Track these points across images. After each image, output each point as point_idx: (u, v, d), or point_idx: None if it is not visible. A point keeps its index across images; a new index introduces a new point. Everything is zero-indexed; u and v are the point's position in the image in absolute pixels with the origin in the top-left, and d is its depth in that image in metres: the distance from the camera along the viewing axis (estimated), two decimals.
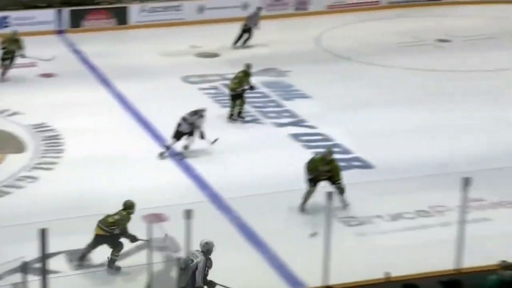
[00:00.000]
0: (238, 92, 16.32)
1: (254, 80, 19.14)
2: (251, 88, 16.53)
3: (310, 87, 18.32)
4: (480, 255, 10.40)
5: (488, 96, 17.68)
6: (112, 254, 10.64)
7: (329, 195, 9.48)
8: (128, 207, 10.71)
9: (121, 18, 23.89)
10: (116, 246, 10.62)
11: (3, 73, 18.67)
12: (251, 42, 21.95)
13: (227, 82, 18.30)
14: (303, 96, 17.90)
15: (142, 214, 10.69)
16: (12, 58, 18.66)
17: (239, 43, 21.83)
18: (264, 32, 22.52)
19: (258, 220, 11.87)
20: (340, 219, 11.83)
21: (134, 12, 24.05)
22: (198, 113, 14.42)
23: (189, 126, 14.33)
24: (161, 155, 14.36)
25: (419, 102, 17.30)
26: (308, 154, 14.62)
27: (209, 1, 24.81)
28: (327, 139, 15.29)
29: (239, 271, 10.43)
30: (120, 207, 10.71)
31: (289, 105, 17.26)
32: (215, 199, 12.74)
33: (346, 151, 14.70)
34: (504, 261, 9.06)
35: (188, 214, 8.86)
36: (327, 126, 15.91)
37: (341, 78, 19.33)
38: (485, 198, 12.41)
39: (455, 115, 16.44)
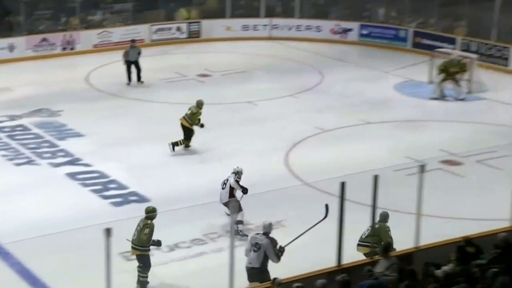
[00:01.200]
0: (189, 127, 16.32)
1: (25, 121, 18.45)
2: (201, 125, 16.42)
3: (83, 126, 17.97)
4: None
5: (247, 125, 18.37)
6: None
7: (108, 231, 9.28)
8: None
9: None
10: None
11: None
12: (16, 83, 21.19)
13: None
14: (77, 134, 17.49)
15: None
16: None
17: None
18: (32, 73, 21.71)
19: (39, 263, 11.38)
20: (120, 254, 11.66)
21: None
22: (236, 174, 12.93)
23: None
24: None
25: None
26: (85, 192, 14.35)
27: None
28: (103, 176, 15.06)
29: None
30: None
31: (63, 144, 16.77)
32: None
33: (122, 187, 14.57)
34: (275, 279, 9.43)
35: None
36: (102, 163, 15.66)
37: (111, 115, 19.17)
38: (252, 222, 12.86)
39: (221, 144, 16.86)
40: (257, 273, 10.42)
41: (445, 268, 9.44)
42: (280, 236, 12.46)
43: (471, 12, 24.79)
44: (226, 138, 17.34)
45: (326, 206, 10.89)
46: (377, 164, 13.38)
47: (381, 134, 17.71)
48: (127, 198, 14.11)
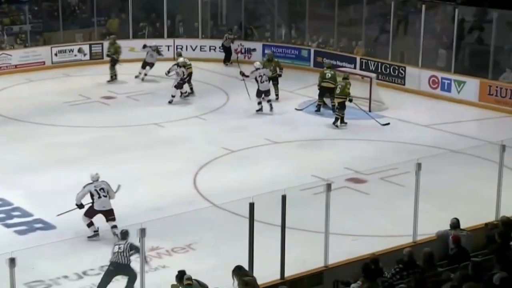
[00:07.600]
0: None
1: None
2: None
3: None
4: None
5: (154, 148, 18.17)
6: None
7: (12, 261, 8.96)
8: None
9: None
10: None
11: None
12: None
13: None
14: None
15: None
16: None
17: None
18: None
19: None
20: (26, 284, 11.30)
21: None
22: None
23: None
24: None
25: (97, 157, 17.20)
26: None
27: None
28: (6, 203, 14.56)
29: None
30: None
31: None
32: None
33: (26, 214, 14.14)
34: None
35: None
36: (4, 190, 15.14)
37: (13, 140, 18.59)
38: (162, 246, 12.74)
39: (127, 168, 16.58)
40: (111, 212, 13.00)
41: (354, 285, 9.65)
42: (189, 259, 12.50)
43: (367, 32, 25.55)
44: (133, 161, 17.10)
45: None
46: (285, 183, 13.50)
47: (287, 154, 17.93)
48: (32, 225, 13.70)
